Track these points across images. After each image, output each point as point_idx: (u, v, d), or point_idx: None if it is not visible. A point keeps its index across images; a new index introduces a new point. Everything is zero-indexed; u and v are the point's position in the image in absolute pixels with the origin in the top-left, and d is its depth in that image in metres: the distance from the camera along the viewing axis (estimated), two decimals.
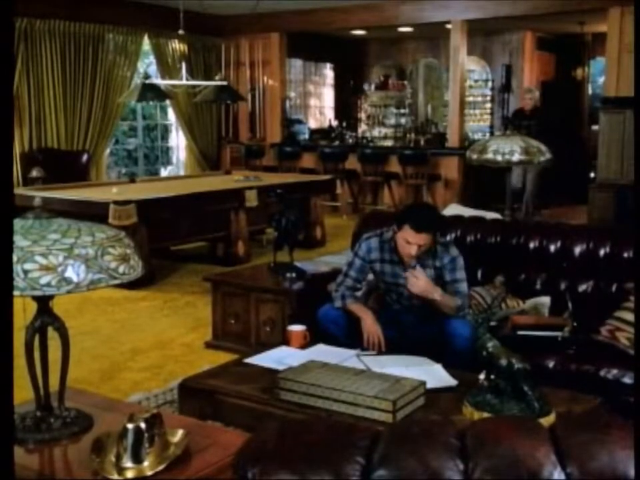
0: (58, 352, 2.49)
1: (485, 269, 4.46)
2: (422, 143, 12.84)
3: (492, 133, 13.18)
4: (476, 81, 13.77)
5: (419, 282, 3.81)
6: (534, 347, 3.77)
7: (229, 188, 8.11)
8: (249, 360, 3.65)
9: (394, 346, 3.81)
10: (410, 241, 3.83)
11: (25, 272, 2.18)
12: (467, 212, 5.42)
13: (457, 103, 11.01)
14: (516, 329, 3.93)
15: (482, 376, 3.06)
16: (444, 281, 3.94)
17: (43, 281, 2.19)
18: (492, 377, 3.00)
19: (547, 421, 2.69)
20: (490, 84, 13.73)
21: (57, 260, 2.22)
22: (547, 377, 3.41)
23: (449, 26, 10.99)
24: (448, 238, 4.40)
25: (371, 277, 4.25)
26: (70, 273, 2.22)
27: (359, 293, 4.21)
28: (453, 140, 11.18)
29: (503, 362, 2.95)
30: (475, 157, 6.62)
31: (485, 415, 2.84)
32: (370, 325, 3.88)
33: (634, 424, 1.42)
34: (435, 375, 3.35)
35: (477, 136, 12.99)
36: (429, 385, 3.14)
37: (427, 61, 14.52)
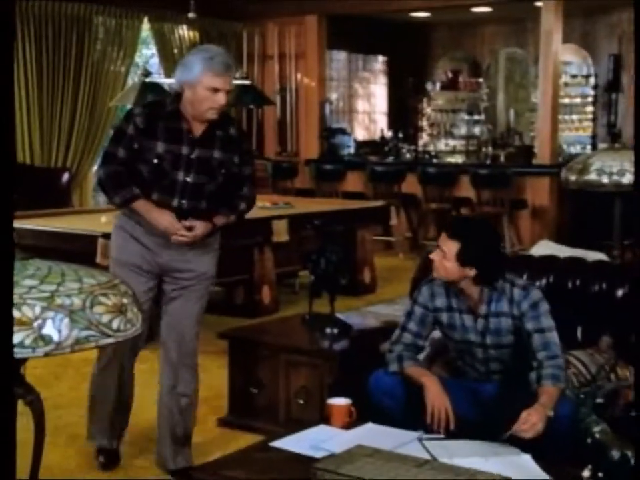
0: (27, 432, 2.50)
1: (587, 326, 4.42)
2: (502, 158, 12.84)
3: (595, 146, 13.12)
4: (574, 76, 13.77)
5: (533, 423, 3.58)
6: None
7: (251, 217, 8.10)
8: (276, 443, 3.64)
9: (469, 427, 3.78)
10: (441, 247, 3.90)
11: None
12: (563, 251, 5.39)
13: (549, 107, 11.00)
14: (630, 408, 3.88)
15: (586, 473, 3.02)
16: (526, 332, 3.91)
17: (15, 339, 2.21)
18: (600, 474, 2.96)
19: None
20: (592, 80, 13.72)
21: (32, 312, 2.24)
22: None
23: (538, 4, 11.01)
24: (525, 278, 4.37)
25: (437, 334, 4.23)
26: (49, 329, 2.24)
27: (421, 356, 4.19)
28: (542, 155, 11.15)
29: (615, 454, 2.91)
30: (573, 177, 6.61)
31: None
32: (435, 395, 3.85)
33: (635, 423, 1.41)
34: (523, 469, 3.31)
35: (575, 149, 12.95)
36: None
37: (509, 51, 14.56)
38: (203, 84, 4.20)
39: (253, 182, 4.69)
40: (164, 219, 4.26)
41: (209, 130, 4.38)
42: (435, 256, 3.95)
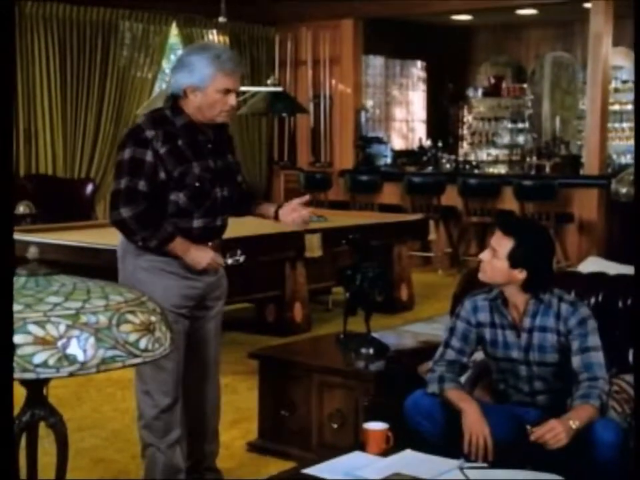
0: (49, 456, 2.51)
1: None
2: (547, 169, 12.81)
3: None
4: (624, 82, 13.69)
5: (557, 432, 3.62)
6: None
7: (282, 231, 8.13)
8: (309, 470, 3.63)
9: (511, 454, 3.76)
10: (492, 245, 3.90)
11: (14, 346, 2.22)
12: (613, 268, 5.35)
13: (598, 114, 10.94)
14: None
15: None
16: (570, 351, 3.89)
17: (38, 359, 2.23)
18: None
19: None
20: None
21: (57, 330, 2.25)
22: None
23: (587, 5, 10.97)
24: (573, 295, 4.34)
25: (479, 356, 4.22)
26: (74, 349, 2.26)
27: (463, 378, 4.17)
28: (590, 165, 11.08)
29: None
30: (623, 190, 6.59)
31: None
32: (473, 422, 3.82)
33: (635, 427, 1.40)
34: None
35: (626, 160, 12.87)
36: None
37: (555, 55, 14.52)
38: (214, 86, 3.99)
39: None
40: (206, 257, 4.11)
41: (216, 134, 4.23)
42: (484, 255, 3.95)
